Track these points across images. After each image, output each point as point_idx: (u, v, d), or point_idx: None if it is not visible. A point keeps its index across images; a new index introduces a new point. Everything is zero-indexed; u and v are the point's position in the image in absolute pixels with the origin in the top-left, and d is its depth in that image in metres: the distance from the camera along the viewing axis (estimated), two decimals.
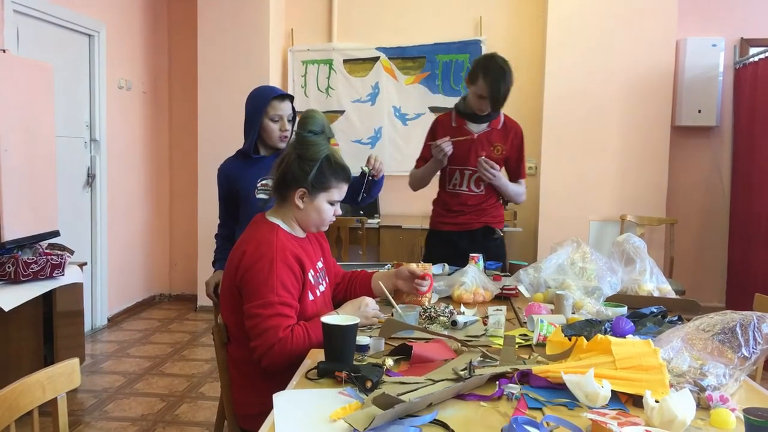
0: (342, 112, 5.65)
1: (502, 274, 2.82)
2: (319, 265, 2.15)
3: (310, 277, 2.04)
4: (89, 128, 4.91)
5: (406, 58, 5.59)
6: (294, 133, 2.09)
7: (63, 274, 3.38)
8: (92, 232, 4.97)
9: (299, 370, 1.71)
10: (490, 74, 2.90)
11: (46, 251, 3.42)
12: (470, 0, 5.55)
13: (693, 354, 1.64)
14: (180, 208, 5.98)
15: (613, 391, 1.47)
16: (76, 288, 3.72)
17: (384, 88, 5.61)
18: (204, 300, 5.59)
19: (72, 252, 3.66)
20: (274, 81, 5.58)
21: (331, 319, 1.70)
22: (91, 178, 4.91)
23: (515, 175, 3.19)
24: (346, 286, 2.35)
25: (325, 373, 1.62)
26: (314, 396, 1.52)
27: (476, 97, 2.99)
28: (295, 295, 1.96)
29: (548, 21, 5.23)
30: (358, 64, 5.65)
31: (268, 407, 2.06)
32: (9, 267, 3.12)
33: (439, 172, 3.21)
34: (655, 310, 2.18)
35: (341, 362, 1.64)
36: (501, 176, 3.06)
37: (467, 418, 1.39)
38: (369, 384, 1.51)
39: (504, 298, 2.51)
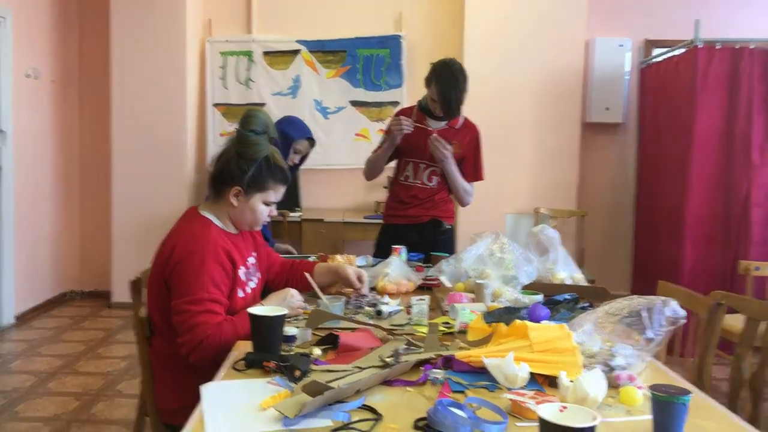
0: (263, 104, 5.58)
1: (425, 265, 2.89)
2: (251, 260, 2.15)
3: (241, 274, 2.04)
4: None
5: (326, 51, 5.59)
6: (236, 130, 2.07)
7: None
8: None
9: (226, 361, 1.70)
10: (443, 81, 2.98)
11: None
12: None
13: (603, 337, 1.75)
14: (92, 202, 5.77)
15: (530, 373, 1.56)
16: None
17: (305, 82, 5.59)
18: (118, 296, 5.44)
19: None
20: (192, 73, 5.47)
21: (258, 310, 1.71)
22: None
23: (469, 176, 3.23)
24: (287, 275, 2.34)
25: (252, 364, 1.63)
26: (243, 386, 1.53)
27: (430, 100, 3.06)
28: (225, 291, 1.96)
29: (466, 20, 5.34)
30: (279, 57, 5.61)
31: (192, 400, 2.04)
32: None
33: (394, 164, 3.25)
34: (568, 297, 2.29)
35: (269, 353, 1.66)
36: (453, 162, 3.10)
37: (394, 403, 1.44)
38: (298, 373, 1.53)
39: (426, 288, 2.58)
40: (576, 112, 5.39)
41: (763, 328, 2.34)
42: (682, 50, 4.70)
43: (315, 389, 1.36)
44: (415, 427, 1.31)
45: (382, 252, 3.09)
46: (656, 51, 5.48)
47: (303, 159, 3.30)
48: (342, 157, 5.59)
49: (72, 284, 5.77)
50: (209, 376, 1.91)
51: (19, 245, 4.94)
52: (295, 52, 5.59)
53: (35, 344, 4.46)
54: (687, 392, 1.30)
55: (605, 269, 5.59)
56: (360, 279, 2.28)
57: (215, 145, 5.62)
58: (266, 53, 5.60)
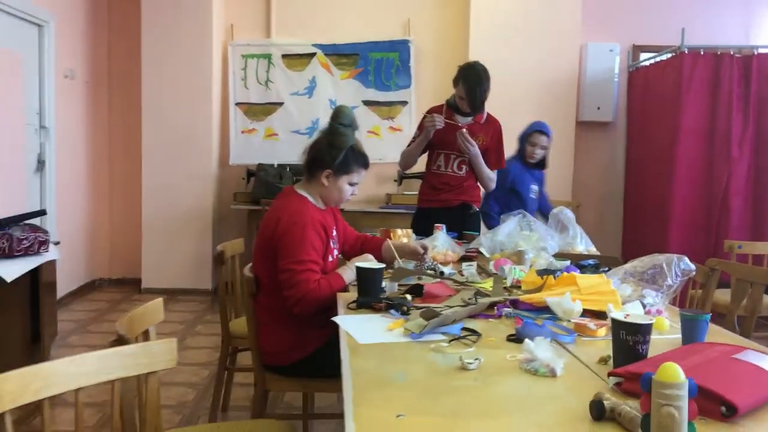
0: (281, 104, 6.01)
1: (462, 241, 3.34)
2: (334, 233, 2.58)
3: (331, 242, 2.47)
4: (39, 115, 5.03)
5: (340, 54, 6.02)
6: (327, 123, 2.50)
7: (48, 251, 3.60)
8: (42, 217, 5.07)
9: (339, 306, 2.14)
10: (469, 81, 3.45)
11: (31, 229, 3.62)
12: (399, 3, 6.05)
13: (633, 286, 2.22)
14: (120, 195, 6.14)
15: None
16: (52, 264, 3.92)
17: (320, 82, 6.02)
18: (148, 283, 5.82)
19: (46, 232, 3.85)
20: (216, 74, 5.87)
21: (364, 265, 2.16)
22: (41, 164, 5.03)
23: (492, 164, 3.67)
24: (360, 248, 2.77)
25: (362, 305, 2.07)
26: (365, 318, 1.97)
27: (458, 98, 3.52)
28: (320, 255, 2.39)
29: (470, 26, 5.81)
30: (296, 59, 6.03)
31: (289, 346, 2.49)
32: (4, 243, 3.33)
33: (426, 156, 3.68)
34: (591, 263, 2.77)
35: (374, 296, 2.10)
36: (478, 153, 3.53)
37: (484, 328, 1.89)
38: (405, 308, 1.98)
39: (467, 258, 3.03)
40: (571, 112, 5.89)
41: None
42: (669, 55, 5.21)
43: (430, 314, 1.81)
44: (508, 339, 1.77)
45: (419, 232, 3.53)
46: (643, 55, 6.00)
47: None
48: None
49: (101, 272, 6.13)
50: (304, 324, 2.36)
51: (59, 235, 5.29)
52: (311, 55, 6.01)
53: (83, 324, 4.83)
54: (708, 313, 1.77)
55: (598, 252, 6.08)
56: (424, 248, 2.72)
57: (237, 142, 6.03)
58: (284, 56, 6.01)
